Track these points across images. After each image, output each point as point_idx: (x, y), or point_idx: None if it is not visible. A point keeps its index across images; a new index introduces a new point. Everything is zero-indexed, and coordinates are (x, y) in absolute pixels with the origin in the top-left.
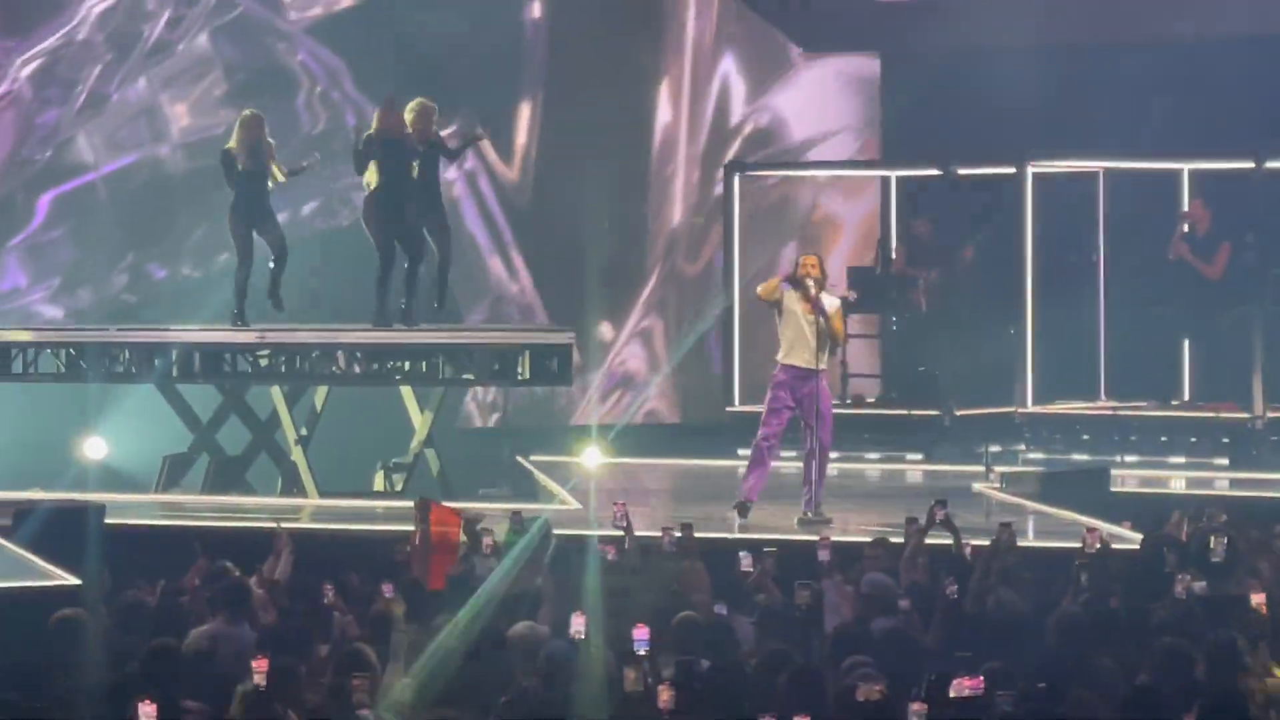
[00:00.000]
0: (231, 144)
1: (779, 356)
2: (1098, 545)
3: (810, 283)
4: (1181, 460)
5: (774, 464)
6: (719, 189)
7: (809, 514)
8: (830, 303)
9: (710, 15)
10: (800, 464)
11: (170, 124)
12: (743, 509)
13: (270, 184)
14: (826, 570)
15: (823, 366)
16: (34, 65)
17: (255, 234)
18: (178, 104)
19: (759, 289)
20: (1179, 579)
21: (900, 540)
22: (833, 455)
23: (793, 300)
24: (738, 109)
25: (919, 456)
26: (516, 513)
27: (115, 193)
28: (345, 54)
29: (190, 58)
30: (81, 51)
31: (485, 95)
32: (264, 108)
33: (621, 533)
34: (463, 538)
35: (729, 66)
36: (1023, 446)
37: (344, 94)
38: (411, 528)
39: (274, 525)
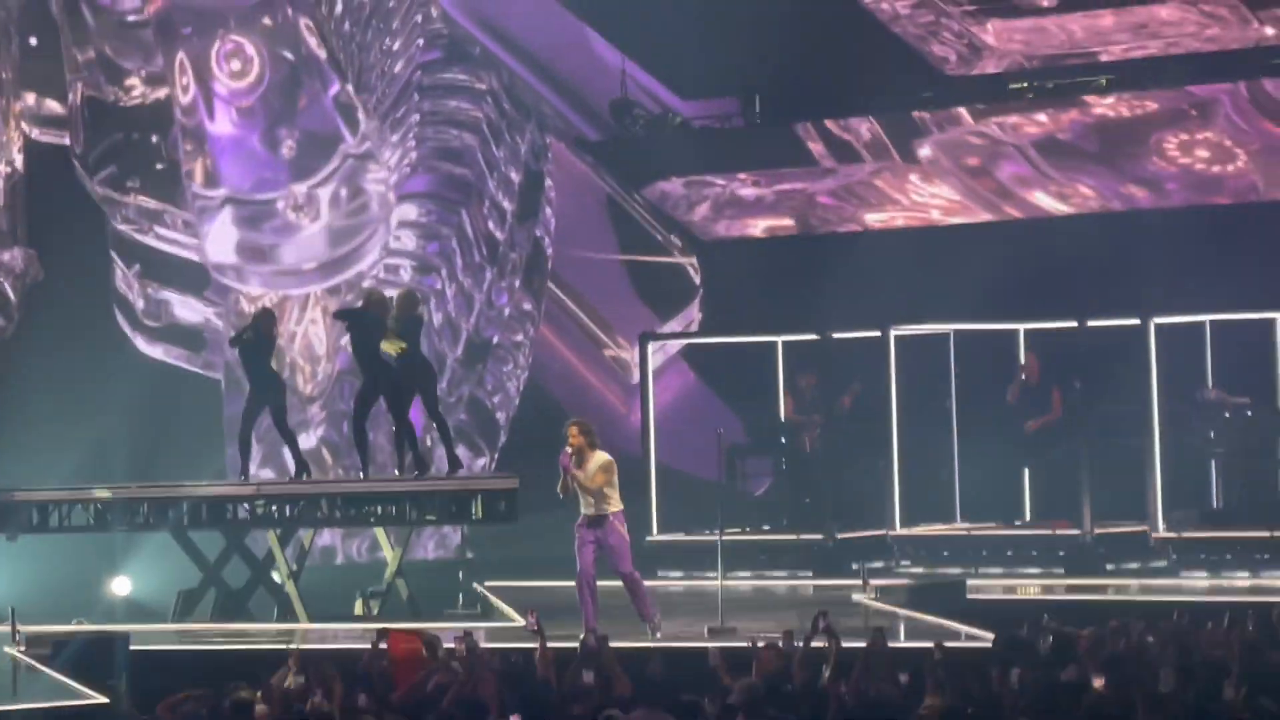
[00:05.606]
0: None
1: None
2: (939, 655)
3: (569, 449)
4: (1027, 570)
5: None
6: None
7: (651, 630)
8: (596, 460)
9: None
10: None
11: None
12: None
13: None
14: (718, 674)
15: (606, 510)
16: None
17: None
18: None
19: (560, 490)
20: (1011, 671)
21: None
22: (744, 573)
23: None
24: None
25: (809, 573)
26: None
27: None
28: None
29: None
30: None
31: None
32: None
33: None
34: (424, 654)
35: None
36: (894, 563)
37: None
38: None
39: (287, 645)
